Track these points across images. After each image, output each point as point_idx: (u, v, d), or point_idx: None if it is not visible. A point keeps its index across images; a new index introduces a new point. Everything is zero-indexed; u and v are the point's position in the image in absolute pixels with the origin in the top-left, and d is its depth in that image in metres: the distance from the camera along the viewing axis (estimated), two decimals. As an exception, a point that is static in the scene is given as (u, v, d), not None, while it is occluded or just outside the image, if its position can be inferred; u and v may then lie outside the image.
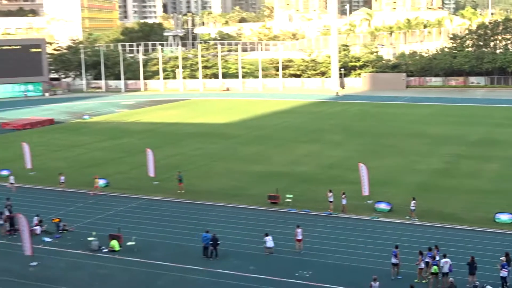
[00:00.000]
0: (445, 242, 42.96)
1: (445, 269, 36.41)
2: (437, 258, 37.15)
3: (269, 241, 41.97)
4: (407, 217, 49.75)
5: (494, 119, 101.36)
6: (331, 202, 51.54)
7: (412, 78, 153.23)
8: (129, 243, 43.57)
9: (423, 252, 37.40)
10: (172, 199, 56.23)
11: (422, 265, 37.00)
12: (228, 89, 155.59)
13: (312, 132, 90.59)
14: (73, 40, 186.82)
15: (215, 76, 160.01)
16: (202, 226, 46.13)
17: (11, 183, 59.70)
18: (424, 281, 36.61)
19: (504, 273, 35.73)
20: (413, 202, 49.69)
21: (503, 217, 48.51)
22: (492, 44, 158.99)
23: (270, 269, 39.42)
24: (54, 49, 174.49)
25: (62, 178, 59.49)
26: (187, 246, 43.66)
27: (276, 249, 42.07)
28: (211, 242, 41.37)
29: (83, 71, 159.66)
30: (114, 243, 43.13)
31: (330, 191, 52.34)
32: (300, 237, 42.46)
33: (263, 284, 37.08)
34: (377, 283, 33.07)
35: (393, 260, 37.64)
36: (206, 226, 45.94)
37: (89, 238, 44.42)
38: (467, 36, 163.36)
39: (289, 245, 42.89)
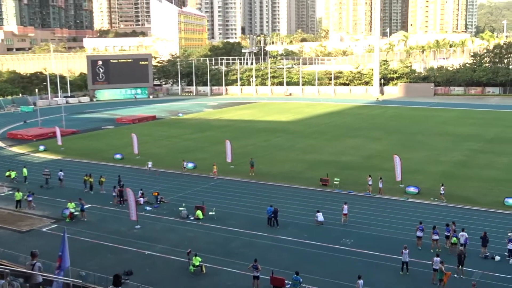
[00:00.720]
0: (462, 220, 41.79)
1: (462, 241, 35.51)
2: (456, 232, 36.19)
3: (320, 216, 41.64)
4: (432, 198, 48.57)
5: (506, 121, 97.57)
6: (370, 185, 50.73)
7: (439, 87, 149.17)
8: (210, 213, 44.00)
9: (436, 227, 36.54)
10: (244, 179, 56.45)
11: (435, 237, 36.03)
12: (290, 94, 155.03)
13: (356, 130, 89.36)
14: (172, 55, 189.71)
15: (280, 84, 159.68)
16: (267, 201, 46.13)
17: (149, 168, 59.52)
18: (438, 250, 35.69)
19: (511, 246, 34.47)
20: (442, 187, 48.46)
21: (511, 201, 46.76)
22: (506, 61, 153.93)
23: (320, 237, 39.14)
24: (158, 62, 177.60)
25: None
26: (255, 217, 43.76)
27: (325, 221, 41.72)
28: (273, 214, 41.35)
29: (179, 79, 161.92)
30: (199, 213, 43.63)
31: (370, 176, 51.56)
32: (346, 212, 42.01)
33: (314, 249, 36.84)
34: (407, 250, 32.43)
35: (418, 234, 36.81)
36: (270, 201, 45.90)
37: (180, 208, 45.08)
38: (485, 54, 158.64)
39: (336, 219, 42.46)
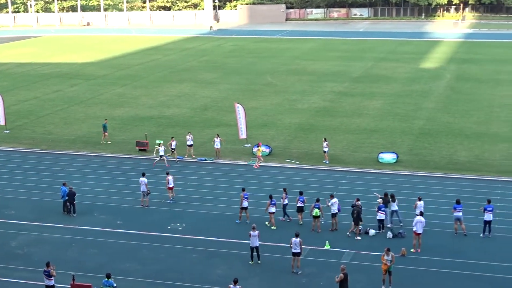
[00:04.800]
0: (328, 185, 44.16)
1: (334, 209, 37.43)
2: (286, 201, 38.55)
3: (143, 185, 41.44)
4: (288, 160, 50.61)
5: (377, 53, 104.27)
6: (190, 146, 51.55)
7: (292, 10, 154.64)
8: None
9: (272, 196, 38.34)
10: (25, 149, 54.42)
11: (272, 209, 37.92)
12: (88, 24, 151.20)
13: (184, 71, 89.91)
14: None
15: (73, 9, 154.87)
16: (59, 179, 44.81)
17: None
18: (273, 227, 37.74)
19: (381, 215, 37.08)
20: (325, 143, 50.52)
21: (386, 157, 50.32)
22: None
23: (140, 223, 39.04)
24: None
25: None
26: (44, 202, 42.40)
27: (150, 201, 41.68)
28: (67, 197, 40.26)
29: None
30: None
31: (189, 133, 52.41)
32: (171, 185, 42.26)
33: (133, 240, 36.67)
34: (256, 232, 33.33)
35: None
36: (65, 178, 44.64)
37: None
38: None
39: (161, 196, 42.61)
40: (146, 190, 41.50)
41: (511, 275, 31.96)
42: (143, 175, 41.81)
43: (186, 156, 51.39)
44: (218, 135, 52.08)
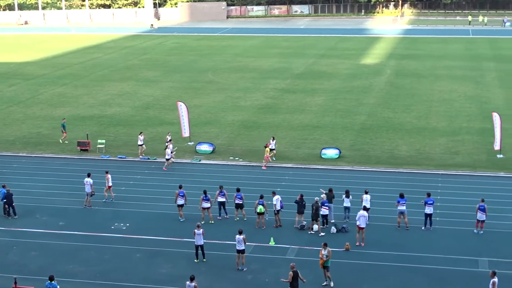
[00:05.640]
0: (271, 182, 44.44)
1: (277, 206, 37.71)
2: (223, 199, 38.67)
3: (88, 185, 40.97)
4: (232, 157, 50.73)
5: (318, 49, 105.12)
6: (140, 145, 51.19)
7: (232, 8, 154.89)
8: None
9: (207, 192, 38.51)
10: (-36, 151, 53.46)
11: (206, 204, 38.11)
12: (26, 23, 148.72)
13: (125, 70, 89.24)
14: None
15: (10, 8, 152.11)
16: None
17: None
18: (211, 222, 38.03)
19: (324, 211, 37.45)
20: (273, 142, 50.72)
21: (329, 153, 50.82)
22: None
23: (83, 223, 38.64)
24: None
25: None
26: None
27: (92, 201, 41.28)
28: (5, 200, 39.60)
29: None
30: None
31: (141, 133, 52.06)
32: (110, 184, 41.94)
33: (76, 241, 36.27)
34: (201, 230, 33.35)
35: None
36: (4, 180, 43.84)
37: None
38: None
39: (103, 196, 42.27)
40: (91, 191, 41.06)
41: (452, 267, 32.63)
42: (88, 175, 41.35)
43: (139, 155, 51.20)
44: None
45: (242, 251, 32.55)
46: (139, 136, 51.52)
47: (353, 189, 39.66)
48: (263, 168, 48.73)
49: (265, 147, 49.66)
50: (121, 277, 32.06)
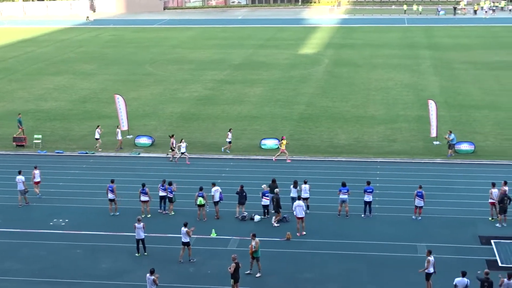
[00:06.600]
0: (211, 173, 44.44)
1: (216, 198, 37.76)
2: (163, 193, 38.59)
3: (20, 183, 40.28)
4: (171, 150, 50.57)
5: (256, 40, 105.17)
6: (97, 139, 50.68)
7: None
8: None
9: (145, 185, 38.43)
10: None
11: (144, 198, 37.99)
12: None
13: (61, 63, 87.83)
14: None
15: None
16: None
17: None
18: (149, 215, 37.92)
19: (265, 201, 37.67)
20: (229, 133, 50.48)
21: (269, 143, 51.05)
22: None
23: (21, 220, 38.08)
24: None
25: None
26: None
27: (29, 198, 40.64)
28: None
29: None
30: None
31: (98, 126, 51.49)
32: (37, 180, 41.32)
33: (13, 239, 35.71)
34: (141, 224, 33.20)
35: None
36: None
37: None
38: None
39: (42, 192, 41.66)
40: (24, 189, 40.28)
41: (391, 253, 33.21)
42: (19, 173, 40.59)
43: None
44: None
45: (187, 244, 32.60)
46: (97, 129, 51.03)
47: (291, 179, 39.74)
48: (287, 161, 48.08)
49: (281, 139, 48.88)
50: (61, 273, 31.72)
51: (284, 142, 48.52)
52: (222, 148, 50.15)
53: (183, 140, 48.07)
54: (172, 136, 48.82)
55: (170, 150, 48.50)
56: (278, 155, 48.36)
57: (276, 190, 37.47)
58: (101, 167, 47.32)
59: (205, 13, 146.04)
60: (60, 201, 40.76)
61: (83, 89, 71.99)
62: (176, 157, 47.82)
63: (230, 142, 50.26)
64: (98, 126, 51.49)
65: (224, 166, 46.95)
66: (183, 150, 47.50)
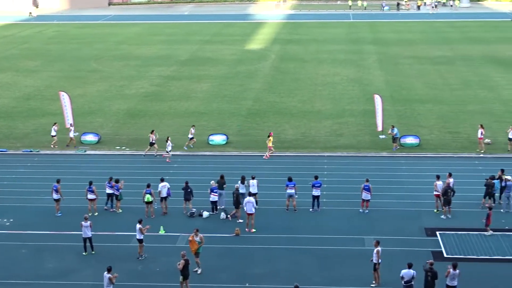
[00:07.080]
0: (159, 170, 44.24)
1: (164, 193, 37.70)
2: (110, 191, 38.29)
3: None
4: (118, 147, 50.16)
5: (202, 36, 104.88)
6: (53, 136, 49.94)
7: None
8: None
9: (92, 182, 38.11)
10: None
11: (91, 196, 37.66)
12: None
13: (3, 60, 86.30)
14: None
15: None
16: None
17: None
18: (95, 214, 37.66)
19: (213, 197, 37.71)
20: (192, 127, 50.34)
21: (216, 139, 50.99)
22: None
23: (-38, 221, 37.44)
24: None
25: None
26: None
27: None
28: None
29: None
30: None
31: (56, 124, 50.81)
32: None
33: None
34: (88, 222, 32.93)
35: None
36: None
37: None
38: None
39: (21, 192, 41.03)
40: None
41: (340, 246, 33.52)
42: None
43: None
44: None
45: (140, 241, 32.52)
46: (54, 126, 50.42)
47: (239, 174, 39.75)
48: (264, 157, 47.78)
49: (269, 136, 48.54)
50: (5, 274, 31.20)
51: (271, 138, 48.39)
52: (185, 146, 49.76)
53: (169, 138, 47.68)
54: (152, 132, 48.44)
55: (149, 146, 48.17)
56: (269, 152, 48.14)
57: (236, 185, 37.44)
58: (47, 165, 46.70)
59: (151, 9, 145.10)
60: (5, 201, 40.05)
61: (27, 86, 70.85)
62: (167, 156, 47.28)
63: (192, 138, 50.04)
64: (55, 123, 50.88)
65: (172, 163, 46.71)
66: (169, 148, 47.09)
